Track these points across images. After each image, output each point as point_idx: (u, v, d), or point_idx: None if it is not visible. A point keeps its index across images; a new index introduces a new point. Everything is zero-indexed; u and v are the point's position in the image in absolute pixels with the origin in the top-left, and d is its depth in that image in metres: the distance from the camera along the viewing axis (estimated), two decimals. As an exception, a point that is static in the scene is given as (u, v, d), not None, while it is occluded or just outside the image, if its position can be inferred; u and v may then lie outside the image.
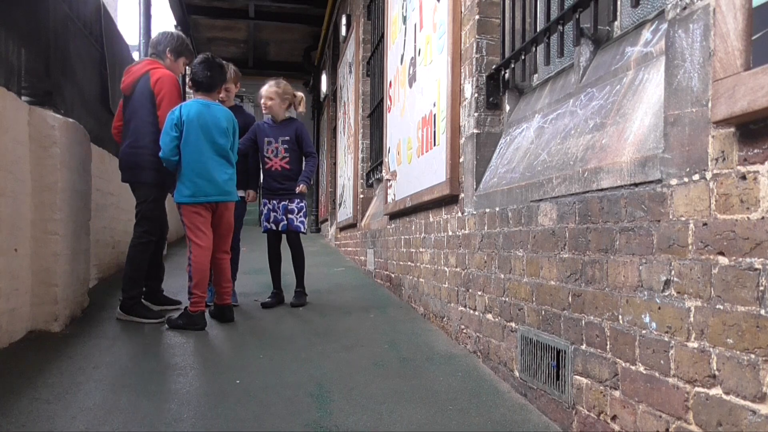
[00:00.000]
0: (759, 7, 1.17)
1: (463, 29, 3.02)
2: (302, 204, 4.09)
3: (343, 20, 7.93)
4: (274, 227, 4.04)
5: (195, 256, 3.30)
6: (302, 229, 4.08)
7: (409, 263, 4.03)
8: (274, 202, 4.03)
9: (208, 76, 3.38)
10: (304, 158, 4.15)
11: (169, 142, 3.26)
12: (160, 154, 3.29)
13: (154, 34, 6.46)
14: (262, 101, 4.03)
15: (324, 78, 11.19)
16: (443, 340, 3.11)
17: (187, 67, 3.70)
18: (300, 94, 4.21)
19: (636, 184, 1.60)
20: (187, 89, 3.90)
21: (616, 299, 1.68)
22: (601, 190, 1.75)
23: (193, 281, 3.29)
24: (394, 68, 4.63)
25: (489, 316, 2.62)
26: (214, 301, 3.57)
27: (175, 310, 3.63)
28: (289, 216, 4.02)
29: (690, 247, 1.39)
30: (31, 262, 2.93)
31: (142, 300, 3.56)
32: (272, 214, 4.03)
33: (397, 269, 4.39)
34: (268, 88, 4.04)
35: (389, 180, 4.64)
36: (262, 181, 4.13)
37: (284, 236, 4.11)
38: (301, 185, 4.02)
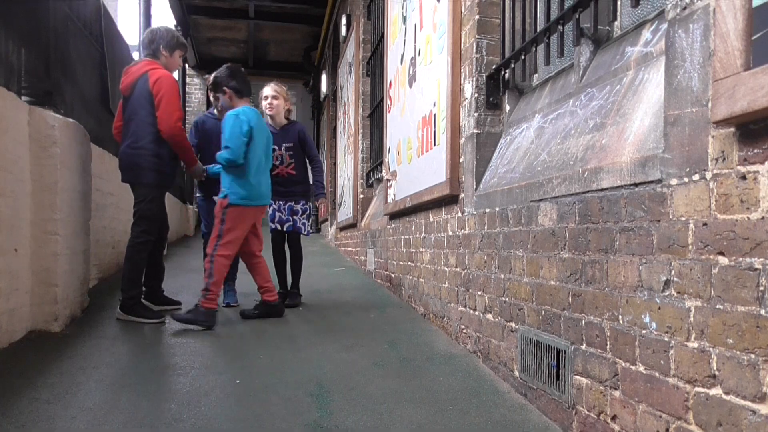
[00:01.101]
0: (759, 7, 1.17)
1: (463, 29, 3.02)
2: (307, 206, 4.12)
3: (343, 20, 7.93)
4: (278, 227, 4.06)
5: (222, 257, 3.38)
6: (304, 231, 4.09)
7: (409, 263, 4.03)
8: (280, 203, 4.05)
9: (245, 81, 3.56)
10: (308, 162, 4.16)
11: (242, 146, 3.39)
12: (230, 155, 3.36)
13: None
14: (268, 100, 4.02)
15: (324, 78, 11.18)
16: (443, 340, 3.11)
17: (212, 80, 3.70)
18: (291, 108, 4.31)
19: (636, 184, 1.60)
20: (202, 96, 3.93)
21: (616, 299, 1.68)
22: (601, 190, 1.75)
23: (214, 278, 3.35)
24: (394, 68, 4.63)
25: (489, 316, 2.62)
26: (263, 299, 3.61)
27: (175, 310, 3.64)
28: (294, 217, 4.05)
29: (690, 247, 1.39)
30: (31, 262, 2.93)
31: (142, 300, 3.56)
32: (277, 215, 4.05)
33: (397, 269, 4.39)
34: (273, 86, 4.04)
35: (389, 180, 4.64)
36: None
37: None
38: (320, 199, 4.14)
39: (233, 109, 3.52)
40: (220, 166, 3.54)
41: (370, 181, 6.44)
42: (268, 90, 4.04)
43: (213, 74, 3.61)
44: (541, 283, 2.14)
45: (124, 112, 3.54)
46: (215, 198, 3.54)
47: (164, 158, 3.44)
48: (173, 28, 3.83)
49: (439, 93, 3.28)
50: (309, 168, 4.23)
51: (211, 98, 4.11)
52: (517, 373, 2.32)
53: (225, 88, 3.53)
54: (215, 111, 4.10)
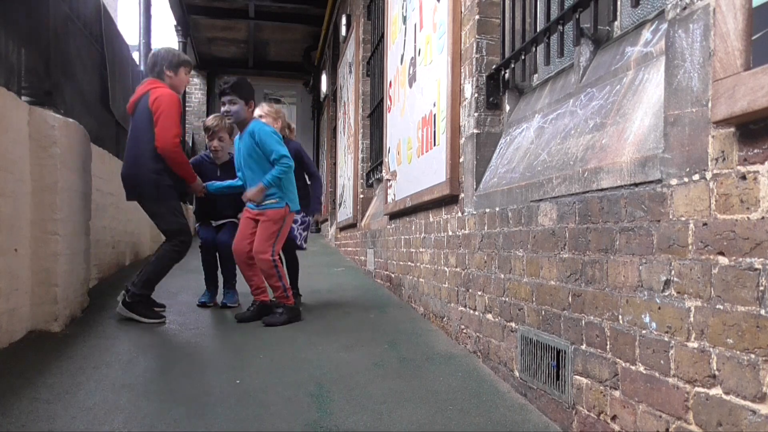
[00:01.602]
0: (759, 7, 1.17)
1: (463, 29, 3.02)
2: (306, 219, 4.11)
3: (343, 20, 7.93)
4: None
5: (279, 259, 3.51)
6: (298, 241, 4.07)
7: (409, 263, 4.03)
8: None
9: (252, 89, 3.58)
10: (307, 178, 4.13)
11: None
12: (290, 162, 3.43)
13: (154, 34, 6.47)
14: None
15: (324, 78, 11.19)
16: (443, 340, 3.11)
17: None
18: (293, 125, 4.27)
19: (636, 184, 1.60)
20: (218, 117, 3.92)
21: (616, 299, 1.68)
22: (601, 190, 1.75)
23: (284, 278, 3.51)
24: (394, 68, 4.63)
25: (489, 316, 2.62)
26: (260, 301, 3.63)
27: (161, 310, 3.62)
28: (292, 225, 4.04)
29: (690, 247, 1.39)
30: (31, 262, 2.93)
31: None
32: None
33: (397, 269, 4.39)
34: (264, 106, 4.00)
35: (389, 180, 4.64)
36: None
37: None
38: (315, 214, 4.18)
39: (246, 119, 3.50)
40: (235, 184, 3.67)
41: (370, 181, 6.44)
42: (258, 110, 4.02)
43: (233, 81, 3.50)
44: (541, 283, 2.14)
45: (129, 130, 3.57)
46: (254, 207, 3.51)
47: (163, 173, 3.43)
48: (172, 48, 3.81)
49: (439, 93, 3.28)
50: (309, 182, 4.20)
51: (207, 141, 4.06)
52: (517, 373, 2.32)
53: (252, 100, 3.55)
54: (210, 154, 4.08)
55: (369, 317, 3.70)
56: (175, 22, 9.88)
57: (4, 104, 2.65)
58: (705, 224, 1.34)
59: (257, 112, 3.96)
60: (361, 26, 6.83)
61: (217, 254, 4.00)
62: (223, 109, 3.49)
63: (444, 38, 3.18)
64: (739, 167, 1.24)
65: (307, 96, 13.55)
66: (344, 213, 7.70)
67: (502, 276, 2.48)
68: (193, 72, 12.62)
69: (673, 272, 1.45)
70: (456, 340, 3.06)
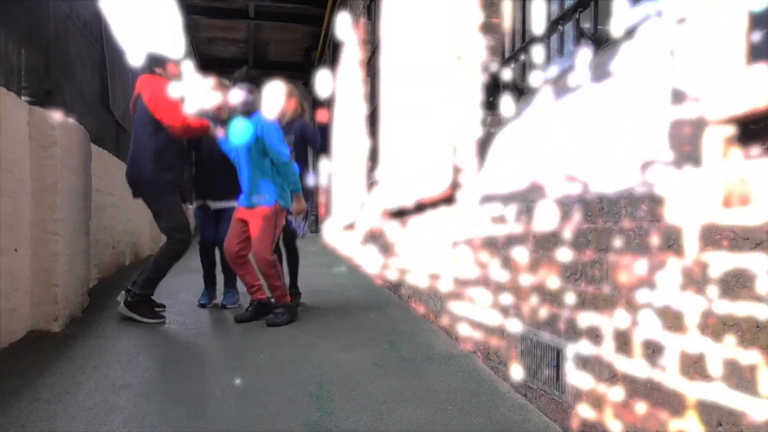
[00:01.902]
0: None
1: (463, 29, 3.02)
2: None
3: (343, 20, 7.93)
4: None
5: (276, 261, 3.53)
6: (299, 233, 4.07)
7: (409, 263, 4.03)
8: None
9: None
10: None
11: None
12: (292, 163, 3.53)
13: (153, 34, 6.44)
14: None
15: (324, 78, 11.17)
16: (443, 340, 3.11)
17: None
18: (306, 105, 4.31)
19: (636, 185, 1.60)
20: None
21: (616, 299, 1.68)
22: (601, 190, 1.75)
23: (282, 278, 3.54)
24: (393, 68, 4.62)
25: (489, 316, 2.62)
26: (258, 299, 3.61)
27: (161, 310, 3.63)
28: (289, 217, 4.02)
29: (690, 247, 1.39)
30: (31, 262, 2.93)
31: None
32: None
33: (397, 269, 4.39)
34: (276, 84, 3.98)
35: (388, 181, 4.64)
36: None
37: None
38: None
39: (254, 109, 3.55)
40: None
41: (370, 181, 6.44)
42: (273, 88, 3.99)
43: (254, 72, 3.62)
44: (541, 283, 2.14)
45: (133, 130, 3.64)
46: (246, 206, 3.54)
47: (164, 168, 3.46)
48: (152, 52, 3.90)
49: (439, 93, 3.28)
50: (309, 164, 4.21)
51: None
52: (517, 374, 2.32)
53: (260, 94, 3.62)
54: (210, 113, 4.09)
55: (369, 317, 3.70)
56: (181, 21, 9.80)
57: (4, 104, 2.65)
58: (705, 224, 1.34)
59: (277, 90, 3.94)
60: (361, 26, 6.83)
61: (216, 251, 4.01)
62: (243, 93, 3.56)
63: (444, 38, 3.18)
64: (739, 167, 1.25)
65: (307, 96, 13.54)
66: (344, 213, 7.70)
67: (502, 276, 2.48)
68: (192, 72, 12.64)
69: (673, 272, 1.45)
70: (456, 340, 3.06)
